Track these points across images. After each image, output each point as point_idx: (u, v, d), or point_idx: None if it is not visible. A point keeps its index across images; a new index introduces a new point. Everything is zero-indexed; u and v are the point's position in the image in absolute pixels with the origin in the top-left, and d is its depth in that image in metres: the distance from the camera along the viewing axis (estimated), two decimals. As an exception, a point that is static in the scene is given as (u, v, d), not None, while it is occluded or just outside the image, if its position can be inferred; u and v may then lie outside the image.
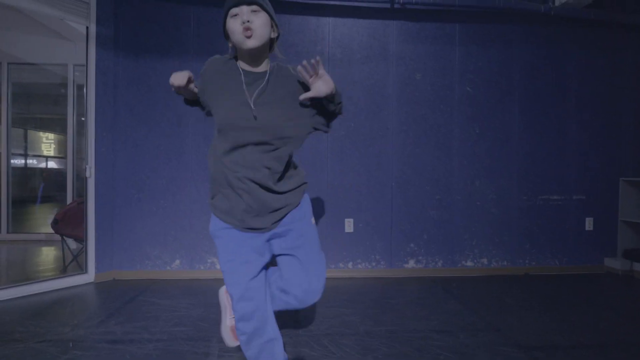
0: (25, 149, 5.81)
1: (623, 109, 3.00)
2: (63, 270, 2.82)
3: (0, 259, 3.57)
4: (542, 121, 2.92)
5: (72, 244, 2.86)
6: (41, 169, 5.96)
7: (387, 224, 2.82)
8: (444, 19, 2.83)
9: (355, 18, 2.78)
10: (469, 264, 2.88)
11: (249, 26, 1.00)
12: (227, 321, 1.37)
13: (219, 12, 2.70)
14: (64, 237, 2.80)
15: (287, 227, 1.14)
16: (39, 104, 5.44)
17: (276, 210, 1.10)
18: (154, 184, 2.69)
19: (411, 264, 2.84)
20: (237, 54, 1.11)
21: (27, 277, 2.71)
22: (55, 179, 5.62)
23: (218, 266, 2.72)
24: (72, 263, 2.79)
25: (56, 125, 5.79)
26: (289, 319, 1.90)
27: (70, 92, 4.19)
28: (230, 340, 1.34)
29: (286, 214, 1.13)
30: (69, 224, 2.71)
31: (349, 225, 2.78)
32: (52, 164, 7.06)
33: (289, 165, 1.16)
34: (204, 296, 2.30)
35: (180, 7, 2.69)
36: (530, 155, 2.92)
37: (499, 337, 1.74)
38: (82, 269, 2.65)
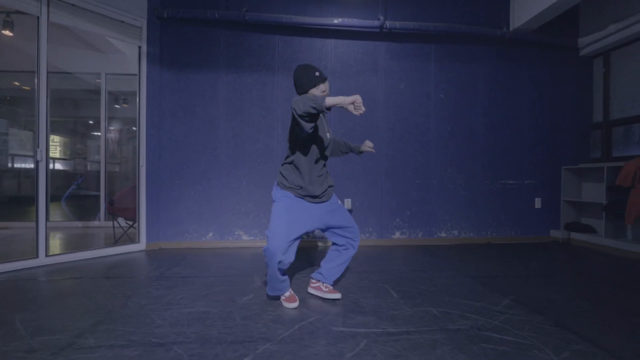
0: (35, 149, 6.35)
1: (565, 113, 3.77)
2: (114, 242, 3.44)
3: (69, 235, 4.16)
4: (501, 122, 3.67)
5: (122, 222, 3.48)
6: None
7: (378, 203, 3.52)
8: (422, 40, 3.57)
9: (352, 40, 3.50)
10: (443, 234, 3.60)
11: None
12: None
13: (242, 35, 3.39)
14: (117, 216, 3.42)
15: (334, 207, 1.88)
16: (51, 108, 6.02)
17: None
18: (192, 172, 3.34)
19: (397, 235, 3.54)
20: None
21: (92, 246, 3.33)
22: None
23: (244, 237, 3.39)
24: (122, 237, 3.42)
25: (60, 127, 6.38)
26: (309, 264, 2.59)
27: (103, 98, 4.82)
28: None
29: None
30: (122, 205, 3.34)
31: (347, 204, 3.48)
32: (58, 166, 7.66)
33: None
34: (238, 258, 2.97)
35: (213, 30, 3.36)
36: (491, 149, 3.66)
37: (458, 273, 2.45)
38: (132, 241, 3.29)
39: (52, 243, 3.54)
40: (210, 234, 3.36)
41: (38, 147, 2.60)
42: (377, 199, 3.52)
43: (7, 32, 3.82)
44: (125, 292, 2.03)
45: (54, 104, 4.93)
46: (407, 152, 3.56)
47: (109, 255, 2.99)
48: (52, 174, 7.38)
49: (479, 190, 3.64)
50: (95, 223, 4.71)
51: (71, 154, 6.31)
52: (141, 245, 3.21)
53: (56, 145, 8.51)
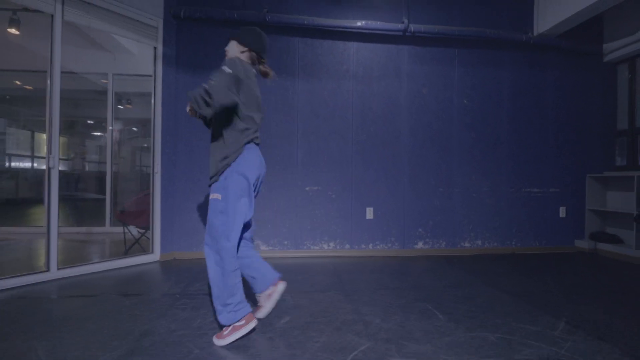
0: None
1: (589, 120, 3.69)
2: (125, 252, 3.27)
3: (74, 244, 3.97)
4: (525, 128, 3.58)
5: (133, 230, 3.32)
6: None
7: (400, 212, 3.40)
8: (445, 44, 3.46)
9: (375, 43, 3.38)
10: (467, 245, 3.49)
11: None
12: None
13: (263, 36, 3.25)
14: (128, 224, 3.26)
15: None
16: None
17: None
18: (206, 180, 3.19)
19: (420, 245, 3.43)
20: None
21: (102, 256, 3.16)
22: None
23: (262, 247, 3.25)
24: (133, 247, 3.26)
25: (63, 128, 6.18)
26: (333, 285, 2.46)
27: (110, 98, 4.64)
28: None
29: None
30: (133, 213, 3.18)
31: (369, 213, 3.36)
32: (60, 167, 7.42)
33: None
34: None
35: (230, 30, 3.22)
36: (516, 156, 3.57)
37: (494, 289, 2.34)
38: (145, 251, 3.13)
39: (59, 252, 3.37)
40: (227, 244, 3.21)
41: (50, 153, 2.43)
42: (399, 207, 3.40)
43: (13, 30, 3.64)
44: (149, 313, 1.88)
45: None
46: (430, 159, 3.45)
47: (122, 267, 2.82)
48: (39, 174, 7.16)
49: (503, 198, 3.54)
50: (98, 229, 4.51)
51: (74, 155, 6.11)
52: (155, 255, 3.05)
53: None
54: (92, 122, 6.46)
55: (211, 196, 1.59)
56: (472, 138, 3.51)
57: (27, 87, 5.31)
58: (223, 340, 1.53)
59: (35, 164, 7.27)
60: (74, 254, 3.31)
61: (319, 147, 3.31)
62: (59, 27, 2.48)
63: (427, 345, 1.54)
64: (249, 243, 1.75)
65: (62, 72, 4.88)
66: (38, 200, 6.06)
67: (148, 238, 3.24)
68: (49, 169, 2.43)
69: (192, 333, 1.64)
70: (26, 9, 2.60)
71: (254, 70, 1.74)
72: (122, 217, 3.21)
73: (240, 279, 1.60)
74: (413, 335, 1.64)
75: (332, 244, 3.32)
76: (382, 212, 3.38)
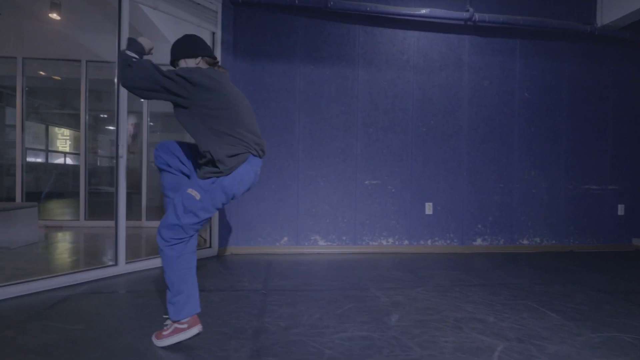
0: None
1: (647, 114, 3.61)
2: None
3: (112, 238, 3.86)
4: (585, 123, 3.49)
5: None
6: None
7: (459, 207, 3.31)
8: (508, 35, 3.36)
9: (435, 32, 3.27)
10: (525, 242, 3.41)
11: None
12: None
13: (322, 24, 3.13)
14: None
15: None
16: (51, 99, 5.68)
17: None
18: (267, 170, 3.09)
19: (478, 241, 3.34)
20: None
21: (154, 254, 3.04)
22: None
23: (320, 242, 3.15)
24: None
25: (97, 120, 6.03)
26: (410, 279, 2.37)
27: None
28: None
29: None
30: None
31: (429, 208, 3.26)
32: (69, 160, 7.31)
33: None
34: (328, 266, 2.73)
35: (290, 17, 3.10)
36: (575, 151, 3.48)
37: (586, 287, 2.26)
38: (199, 245, 3.02)
39: (97, 247, 3.25)
40: (285, 238, 3.11)
41: (119, 143, 2.31)
42: (458, 202, 3.31)
43: (54, 15, 3.51)
44: (248, 309, 1.78)
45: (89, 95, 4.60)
46: (489, 154, 3.35)
47: (184, 262, 2.71)
48: (64, 169, 7.01)
49: (562, 195, 3.45)
50: (135, 223, 4.37)
51: (104, 148, 5.97)
52: (213, 250, 2.95)
53: (66, 139, 8.12)
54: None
55: (189, 190, 1.37)
56: (532, 132, 3.41)
57: (55, 77, 5.14)
58: None
59: (48, 159, 7.13)
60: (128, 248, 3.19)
61: (377, 139, 3.21)
62: (127, 10, 2.35)
63: (565, 346, 1.45)
64: None
65: (93, 62, 4.74)
66: (58, 194, 5.93)
67: (201, 236, 3.13)
68: (118, 158, 2.31)
69: (308, 331, 1.54)
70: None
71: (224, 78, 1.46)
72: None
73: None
74: (541, 335, 1.55)
75: (390, 240, 3.22)
76: (441, 207, 3.29)
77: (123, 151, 2.32)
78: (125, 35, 2.36)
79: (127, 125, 2.38)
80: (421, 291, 2.13)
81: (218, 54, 2.93)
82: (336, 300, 1.93)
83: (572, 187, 3.48)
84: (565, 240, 3.47)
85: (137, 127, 5.06)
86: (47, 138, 7.35)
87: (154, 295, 1.97)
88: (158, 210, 4.83)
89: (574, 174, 3.48)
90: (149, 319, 1.64)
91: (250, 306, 1.83)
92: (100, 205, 4.67)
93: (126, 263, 2.38)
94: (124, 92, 2.35)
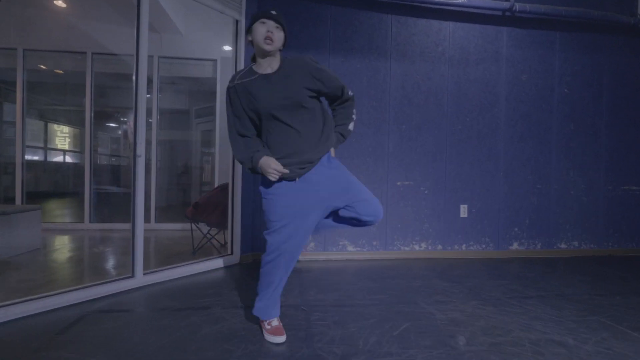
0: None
1: (689, 111, 3.42)
2: (193, 253, 2.93)
3: (125, 240, 3.62)
4: (625, 121, 3.30)
5: (204, 228, 2.98)
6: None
7: (495, 210, 3.11)
8: (547, 27, 3.15)
9: (472, 23, 3.05)
10: (563, 246, 3.22)
11: (270, 36, 1.31)
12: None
13: (352, 13, 2.91)
14: (199, 221, 2.91)
15: None
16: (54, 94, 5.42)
17: None
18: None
19: (515, 246, 3.15)
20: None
21: (168, 262, 2.82)
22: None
23: (349, 248, 2.93)
24: (203, 246, 2.92)
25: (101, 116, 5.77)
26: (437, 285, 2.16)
27: (155, 84, 4.25)
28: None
29: None
30: (206, 210, 2.84)
31: (463, 211, 3.06)
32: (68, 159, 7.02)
33: None
34: (361, 274, 2.52)
35: (319, 6, 2.87)
36: (615, 150, 3.29)
37: (636, 297, 2.07)
38: (218, 252, 2.80)
39: (108, 254, 3.03)
40: (312, 244, 2.90)
41: (138, 141, 2.08)
42: (494, 205, 3.11)
43: (59, 3, 3.25)
44: (293, 330, 1.56)
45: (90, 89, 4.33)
46: (527, 153, 3.15)
47: (207, 271, 2.49)
48: (61, 167, 6.74)
49: (601, 196, 3.26)
50: (145, 226, 4.15)
51: (112, 147, 5.71)
52: (235, 257, 2.72)
53: (65, 137, 7.83)
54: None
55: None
56: (571, 130, 3.21)
57: (58, 71, 4.85)
58: None
59: (47, 157, 6.86)
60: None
61: (410, 137, 3.00)
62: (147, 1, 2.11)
63: (675, 378, 1.25)
64: None
65: (98, 54, 4.46)
66: (56, 194, 5.64)
67: (217, 240, 2.91)
68: (136, 157, 2.08)
69: (373, 352, 1.33)
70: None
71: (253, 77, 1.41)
72: (194, 213, 2.87)
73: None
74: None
75: (423, 245, 3.02)
76: (476, 210, 3.08)
77: (141, 150, 2.09)
78: (145, 29, 2.10)
79: (144, 122, 2.14)
80: (477, 305, 1.93)
81: (242, 44, 2.69)
82: (388, 319, 1.72)
83: (611, 188, 3.28)
84: (604, 244, 3.28)
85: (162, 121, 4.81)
86: (46, 134, 7.06)
87: (182, 314, 1.75)
88: (168, 211, 4.60)
89: (613, 174, 3.29)
90: (181, 346, 1.42)
91: (295, 327, 1.61)
92: (107, 207, 4.43)
93: (144, 274, 2.15)
94: (142, 87, 2.11)
